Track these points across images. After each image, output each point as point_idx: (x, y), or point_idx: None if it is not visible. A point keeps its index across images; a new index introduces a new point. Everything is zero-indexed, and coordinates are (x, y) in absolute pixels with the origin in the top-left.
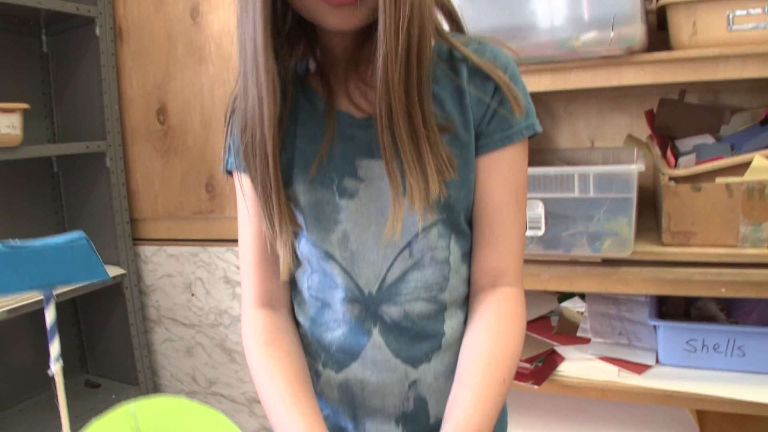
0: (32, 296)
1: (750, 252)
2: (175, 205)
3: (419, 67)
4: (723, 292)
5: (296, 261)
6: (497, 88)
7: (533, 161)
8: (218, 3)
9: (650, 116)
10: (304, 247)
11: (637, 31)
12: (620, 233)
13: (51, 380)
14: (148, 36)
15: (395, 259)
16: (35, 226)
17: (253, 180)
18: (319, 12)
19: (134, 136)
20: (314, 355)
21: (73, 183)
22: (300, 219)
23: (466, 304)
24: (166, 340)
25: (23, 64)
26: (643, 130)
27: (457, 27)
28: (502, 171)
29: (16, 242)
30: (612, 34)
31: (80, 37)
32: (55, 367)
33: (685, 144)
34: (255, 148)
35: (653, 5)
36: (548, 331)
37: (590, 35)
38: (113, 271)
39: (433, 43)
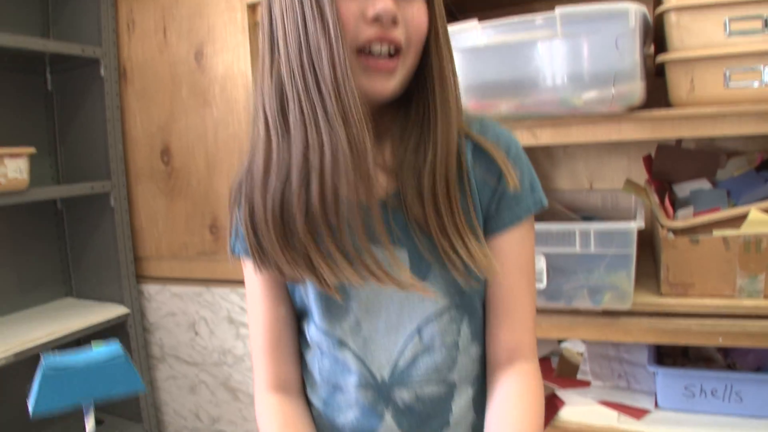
0: (37, 338)
1: (746, 303)
2: (179, 245)
3: (453, 141)
4: (720, 342)
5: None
6: (502, 171)
7: None
8: (222, 47)
9: (648, 162)
10: (314, 333)
11: (637, 89)
12: (620, 287)
13: (53, 422)
14: (152, 77)
15: (406, 345)
16: (38, 264)
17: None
18: (354, 67)
19: (138, 175)
20: None
21: (76, 221)
22: (310, 308)
23: (477, 380)
24: (170, 377)
25: (28, 101)
26: (641, 172)
27: None
28: (513, 250)
29: (57, 358)
30: (613, 92)
31: (85, 76)
32: None
33: (682, 189)
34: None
35: (652, 51)
36: (549, 374)
37: (591, 94)
38: (117, 310)
39: None
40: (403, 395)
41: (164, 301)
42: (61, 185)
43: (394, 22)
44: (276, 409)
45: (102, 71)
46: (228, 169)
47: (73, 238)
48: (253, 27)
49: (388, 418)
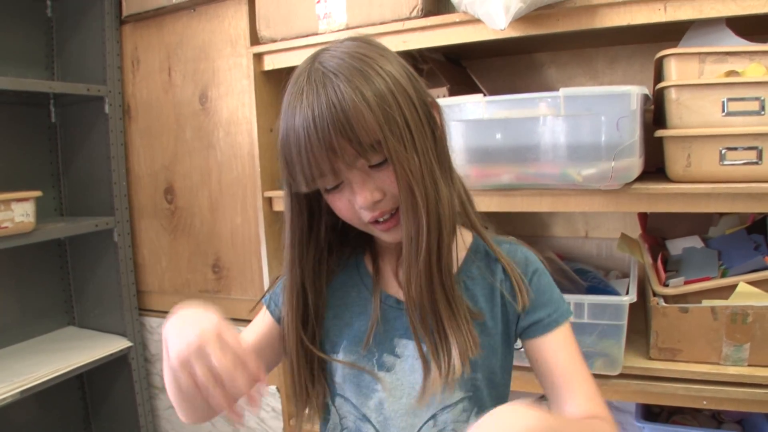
0: (43, 375)
1: (731, 371)
2: (181, 281)
3: (439, 266)
4: (705, 405)
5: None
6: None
7: None
8: (227, 91)
9: (643, 218)
10: (340, 404)
11: (635, 166)
12: (611, 354)
13: None
14: (156, 116)
15: (422, 427)
16: (42, 295)
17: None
18: (369, 230)
19: (141, 212)
20: None
21: (80, 254)
22: (341, 383)
23: None
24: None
25: (32, 133)
26: (636, 222)
27: (466, 215)
28: (559, 345)
29: None
30: (612, 168)
31: (89, 111)
32: None
33: (675, 246)
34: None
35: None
36: None
37: (591, 170)
38: (120, 343)
39: (470, 239)
40: None
41: None
42: (66, 221)
43: (377, 202)
44: None
45: (106, 108)
46: (231, 213)
47: (76, 270)
48: (259, 75)
49: None
